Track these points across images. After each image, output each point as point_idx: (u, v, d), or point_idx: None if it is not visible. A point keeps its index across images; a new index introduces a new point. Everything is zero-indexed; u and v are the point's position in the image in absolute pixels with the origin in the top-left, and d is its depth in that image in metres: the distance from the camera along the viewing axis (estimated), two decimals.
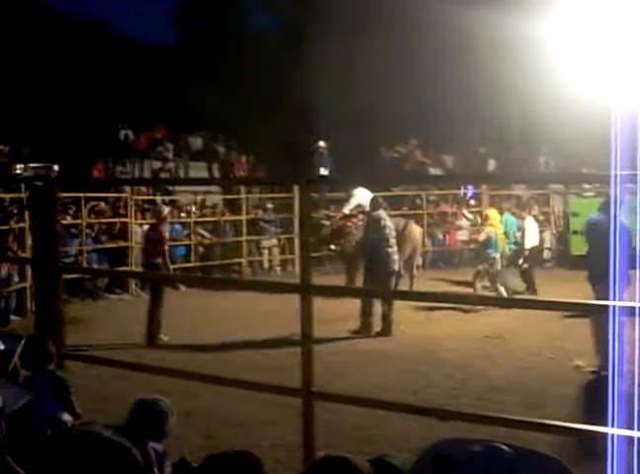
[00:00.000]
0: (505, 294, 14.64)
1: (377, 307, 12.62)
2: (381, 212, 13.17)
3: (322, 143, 19.74)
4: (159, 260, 12.35)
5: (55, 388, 5.13)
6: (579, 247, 18.99)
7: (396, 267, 13.00)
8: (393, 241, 12.96)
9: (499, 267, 15.17)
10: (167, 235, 13.17)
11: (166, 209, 13.80)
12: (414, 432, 7.27)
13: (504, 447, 2.76)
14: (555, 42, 19.29)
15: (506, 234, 16.17)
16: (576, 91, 19.24)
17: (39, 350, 5.13)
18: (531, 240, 17.21)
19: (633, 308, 3.69)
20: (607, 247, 9.88)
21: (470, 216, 21.39)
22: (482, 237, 15.52)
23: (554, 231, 21.63)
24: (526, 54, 22.26)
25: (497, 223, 15.42)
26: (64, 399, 5.17)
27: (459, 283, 16.95)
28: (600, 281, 9.46)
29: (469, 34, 25.15)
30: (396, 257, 12.98)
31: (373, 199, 13.58)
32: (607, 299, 9.15)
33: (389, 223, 13.06)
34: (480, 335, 12.04)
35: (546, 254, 21.87)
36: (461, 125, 27.98)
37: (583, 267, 18.08)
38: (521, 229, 16.93)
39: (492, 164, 25.69)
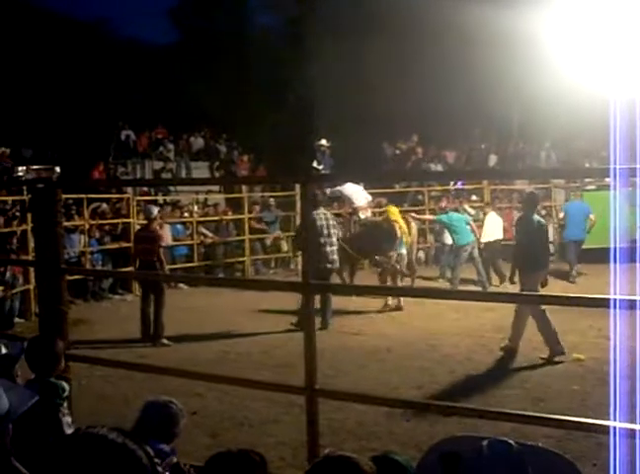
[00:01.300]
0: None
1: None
2: (319, 212, 13.26)
3: (324, 142, 19.76)
4: (154, 259, 12.31)
5: (43, 403, 4.69)
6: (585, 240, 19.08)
7: (335, 264, 13.29)
8: (331, 239, 13.15)
9: (405, 262, 15.13)
10: (164, 234, 13.06)
11: (155, 210, 13.72)
12: (418, 428, 7.30)
13: (512, 442, 2.77)
14: (554, 37, 19.30)
15: (453, 229, 16.85)
16: (575, 85, 19.27)
17: (46, 352, 5.03)
18: (491, 234, 17.47)
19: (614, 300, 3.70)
20: (529, 241, 10.70)
21: (472, 212, 21.37)
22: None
23: (556, 225, 21.58)
24: (526, 50, 22.26)
25: (398, 218, 15.27)
26: (52, 418, 4.66)
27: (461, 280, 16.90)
28: (528, 270, 10.66)
29: (469, 30, 25.20)
30: (335, 256, 13.23)
31: (313, 197, 13.66)
32: (531, 287, 10.22)
33: (324, 222, 13.14)
34: (482, 330, 12.06)
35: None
36: (462, 121, 28.01)
37: (586, 260, 18.39)
38: (480, 223, 17.49)
39: (493, 159, 25.72)
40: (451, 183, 21.63)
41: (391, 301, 14.39)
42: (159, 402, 4.66)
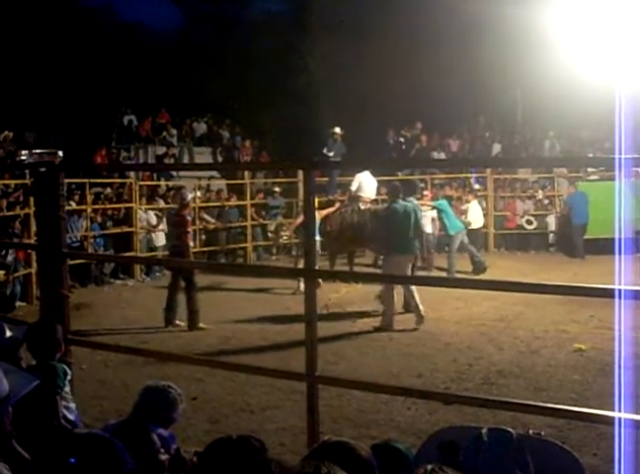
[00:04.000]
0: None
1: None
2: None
3: (337, 130, 19.69)
4: (181, 243, 12.23)
5: (43, 386, 4.61)
6: (589, 231, 19.39)
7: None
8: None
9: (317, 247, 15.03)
10: (189, 219, 13.04)
11: (190, 195, 13.70)
12: (419, 416, 7.30)
13: (511, 430, 2.76)
14: (559, 27, 19.24)
15: (447, 216, 17.02)
16: (580, 75, 19.22)
17: (46, 337, 4.99)
18: (475, 222, 17.93)
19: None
20: (391, 227, 11.85)
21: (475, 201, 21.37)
22: (297, 223, 15.82)
23: (558, 214, 21.54)
24: (530, 39, 22.17)
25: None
26: (50, 401, 4.64)
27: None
28: (389, 252, 11.94)
29: (473, 19, 25.12)
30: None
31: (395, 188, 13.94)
32: (393, 266, 11.47)
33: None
34: (484, 319, 12.06)
35: (551, 238, 21.83)
36: (466, 110, 27.94)
37: (591, 250, 18.61)
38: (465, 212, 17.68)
39: (497, 148, 25.66)
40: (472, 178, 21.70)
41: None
42: (158, 387, 4.64)
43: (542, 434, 3.04)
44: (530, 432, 3.12)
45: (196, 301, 12.06)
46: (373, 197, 16.54)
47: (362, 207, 15.85)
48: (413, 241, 11.85)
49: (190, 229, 12.78)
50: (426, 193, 18.52)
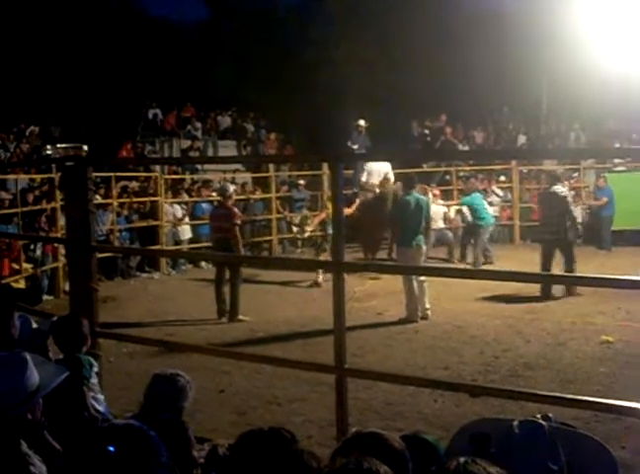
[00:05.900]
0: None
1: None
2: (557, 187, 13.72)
3: (362, 122, 19.63)
4: (229, 236, 12.27)
5: (70, 379, 4.45)
6: (615, 222, 19.29)
7: (558, 235, 13.38)
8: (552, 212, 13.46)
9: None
10: (237, 211, 13.00)
11: (231, 188, 13.69)
12: (445, 408, 7.30)
13: (543, 422, 2.76)
14: (584, 17, 19.10)
15: (476, 209, 16.92)
16: (605, 66, 19.09)
17: (72, 331, 5.00)
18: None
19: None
20: (402, 219, 11.83)
21: (501, 193, 21.24)
22: (321, 217, 15.96)
23: (585, 206, 21.37)
24: (555, 30, 22.04)
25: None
26: (77, 392, 4.66)
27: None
28: (400, 245, 12.04)
29: (498, 10, 24.99)
30: (557, 228, 13.44)
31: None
32: (406, 259, 11.45)
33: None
34: (510, 311, 12.01)
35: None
36: (491, 101, 27.82)
37: (617, 242, 18.50)
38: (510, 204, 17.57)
39: (522, 140, 25.53)
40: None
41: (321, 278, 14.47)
42: (166, 375, 4.62)
43: (550, 415, 3.03)
44: (538, 415, 3.11)
45: (238, 292, 12.12)
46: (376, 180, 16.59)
47: (378, 191, 15.96)
48: (421, 235, 11.69)
49: (238, 221, 12.72)
50: (436, 192, 18.44)
